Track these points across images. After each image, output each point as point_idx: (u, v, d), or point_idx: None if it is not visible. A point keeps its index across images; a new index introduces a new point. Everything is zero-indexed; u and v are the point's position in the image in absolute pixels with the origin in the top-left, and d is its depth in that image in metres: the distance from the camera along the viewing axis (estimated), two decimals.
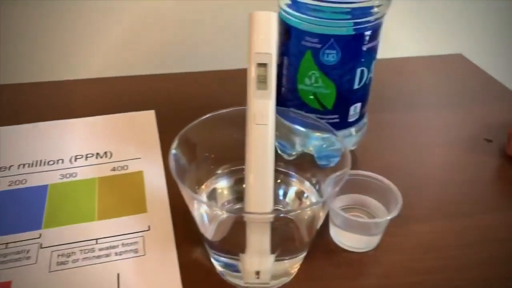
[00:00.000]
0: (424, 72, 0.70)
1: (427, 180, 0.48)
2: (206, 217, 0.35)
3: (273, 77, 0.35)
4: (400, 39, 0.76)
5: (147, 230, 0.40)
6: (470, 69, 0.71)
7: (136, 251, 0.38)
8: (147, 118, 0.55)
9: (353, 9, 0.38)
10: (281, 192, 0.41)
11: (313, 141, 0.43)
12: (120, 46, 0.69)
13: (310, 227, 0.36)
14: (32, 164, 0.47)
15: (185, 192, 0.32)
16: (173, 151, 0.35)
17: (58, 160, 0.48)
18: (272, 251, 0.34)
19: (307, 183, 0.41)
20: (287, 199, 0.41)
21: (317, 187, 0.40)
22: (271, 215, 0.34)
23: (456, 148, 0.53)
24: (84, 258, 0.38)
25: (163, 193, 0.44)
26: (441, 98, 0.63)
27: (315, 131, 0.42)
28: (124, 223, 0.41)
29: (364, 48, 0.41)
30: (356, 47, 0.41)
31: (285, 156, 0.45)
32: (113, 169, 0.47)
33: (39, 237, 0.39)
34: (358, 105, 0.45)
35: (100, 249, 0.38)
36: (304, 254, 0.37)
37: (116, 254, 0.38)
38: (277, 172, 0.41)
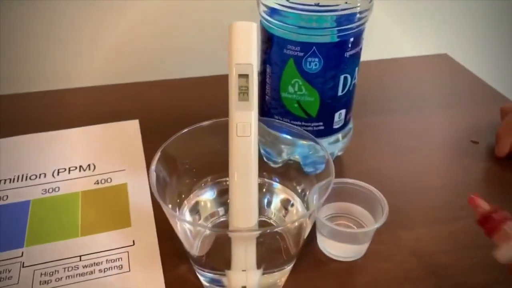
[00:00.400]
0: (409, 73, 0.70)
1: (413, 185, 0.48)
2: (189, 233, 0.34)
3: (254, 88, 0.35)
4: (383, 40, 0.76)
5: (132, 245, 0.40)
6: (456, 69, 0.71)
7: (120, 267, 0.38)
8: (131, 128, 0.54)
9: (338, 17, 0.38)
10: (266, 201, 0.41)
11: (299, 148, 0.43)
12: (102, 55, 0.68)
13: (297, 238, 0.36)
14: (14, 179, 0.46)
15: (167, 210, 0.32)
16: (153, 167, 0.34)
17: (40, 174, 0.47)
18: (259, 265, 0.33)
19: (292, 192, 0.41)
20: (272, 208, 0.41)
21: (302, 195, 0.40)
22: (256, 232, 0.34)
23: (443, 151, 0.53)
24: (68, 276, 0.37)
25: (148, 205, 0.43)
26: (426, 99, 0.63)
27: (300, 139, 0.42)
28: (108, 238, 0.40)
29: (347, 55, 0.40)
30: (339, 54, 0.40)
31: (271, 164, 0.45)
32: (97, 182, 0.46)
33: (21, 256, 0.38)
34: (343, 111, 0.44)
35: (84, 266, 0.38)
36: (291, 265, 0.37)
37: (100, 271, 0.37)
38: (262, 181, 0.41)
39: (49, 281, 0.36)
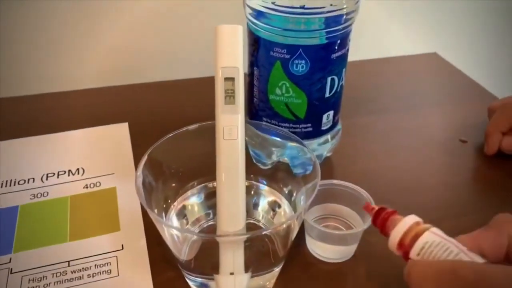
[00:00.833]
0: (398, 73, 0.70)
1: (402, 184, 0.48)
2: (177, 239, 0.34)
3: (240, 91, 0.35)
4: (373, 40, 0.76)
5: (121, 250, 0.40)
6: (445, 68, 0.71)
7: (109, 272, 0.38)
8: (120, 131, 0.54)
9: (325, 19, 0.38)
10: (254, 203, 0.41)
11: (288, 150, 0.43)
12: (91, 58, 0.67)
13: (284, 240, 0.36)
14: (2, 184, 0.46)
15: (153, 216, 0.32)
16: (138, 173, 0.34)
17: (29, 179, 0.47)
18: (247, 268, 0.33)
19: (279, 194, 0.41)
20: (260, 210, 0.41)
21: (290, 197, 0.40)
22: (244, 236, 0.34)
23: (431, 151, 0.53)
24: (56, 282, 0.37)
25: (137, 209, 0.43)
26: (415, 99, 0.63)
27: (288, 141, 0.42)
28: (97, 243, 0.40)
29: (334, 56, 0.41)
30: (326, 56, 0.40)
31: (260, 165, 0.45)
32: (86, 187, 0.46)
33: (9, 262, 0.38)
34: (331, 113, 0.44)
35: (73, 272, 0.38)
36: (280, 267, 0.37)
37: (89, 276, 0.37)
38: (249, 183, 0.41)
39: (37, 287, 0.36)
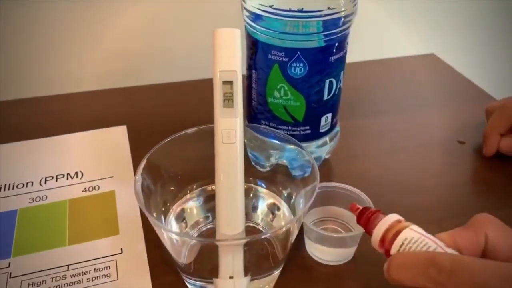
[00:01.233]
0: (396, 74, 0.70)
1: (401, 186, 0.48)
2: (176, 242, 0.34)
3: (239, 94, 0.35)
4: (370, 42, 0.76)
5: (120, 253, 0.40)
6: (443, 69, 0.71)
7: (108, 276, 0.38)
8: (119, 134, 0.54)
9: (324, 22, 0.38)
10: (253, 205, 0.41)
11: (286, 153, 0.43)
12: (88, 61, 0.67)
13: (284, 243, 0.36)
14: (0, 188, 0.46)
15: (152, 220, 0.32)
16: (137, 177, 0.34)
17: (27, 182, 0.47)
18: (246, 272, 0.33)
19: (279, 196, 0.41)
20: (259, 213, 0.41)
21: (289, 199, 0.40)
22: (243, 240, 0.34)
23: (430, 152, 0.53)
24: (56, 286, 0.37)
25: (136, 213, 0.43)
26: (413, 100, 0.63)
27: (286, 143, 0.42)
28: (96, 246, 0.40)
29: (332, 59, 0.41)
30: (324, 59, 0.40)
31: (259, 168, 0.45)
32: (84, 190, 0.46)
33: (8, 266, 0.38)
34: (329, 115, 0.44)
35: (72, 276, 0.38)
36: (279, 270, 0.37)
37: (88, 280, 0.37)
38: (248, 186, 0.41)
39: None
